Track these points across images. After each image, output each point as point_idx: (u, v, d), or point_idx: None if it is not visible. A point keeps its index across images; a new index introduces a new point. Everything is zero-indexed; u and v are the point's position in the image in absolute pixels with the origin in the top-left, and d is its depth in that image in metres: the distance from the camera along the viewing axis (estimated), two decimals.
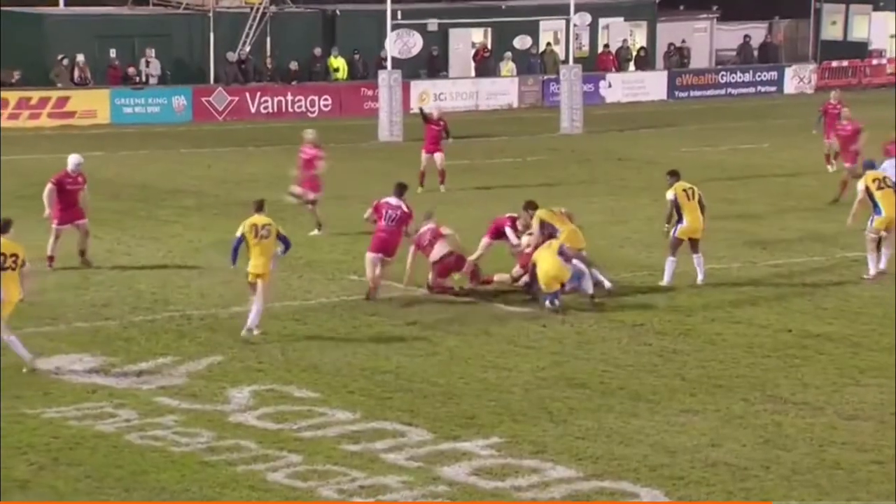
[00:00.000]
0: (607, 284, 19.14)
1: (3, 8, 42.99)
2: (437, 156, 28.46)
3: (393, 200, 19.18)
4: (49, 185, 20.55)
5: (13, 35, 40.96)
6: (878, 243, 20.64)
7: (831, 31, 51.30)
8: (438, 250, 19.28)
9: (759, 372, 16.20)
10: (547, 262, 18.43)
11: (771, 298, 19.70)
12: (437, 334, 17.61)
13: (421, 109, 31.52)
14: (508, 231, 19.61)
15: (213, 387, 15.32)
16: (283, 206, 23.52)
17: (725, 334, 17.80)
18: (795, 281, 20.84)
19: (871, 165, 21.40)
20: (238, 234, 17.64)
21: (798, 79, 48.58)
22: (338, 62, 42.90)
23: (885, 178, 21.03)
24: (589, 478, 12.70)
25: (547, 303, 18.43)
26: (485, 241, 19.75)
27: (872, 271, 20.52)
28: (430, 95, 43.04)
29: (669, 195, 20.12)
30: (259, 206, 17.72)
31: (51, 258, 20.43)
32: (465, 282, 19.60)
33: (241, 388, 15.25)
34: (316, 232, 23.43)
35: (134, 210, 25.78)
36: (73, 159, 20.80)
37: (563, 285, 18.70)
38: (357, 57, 42.85)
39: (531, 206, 19.67)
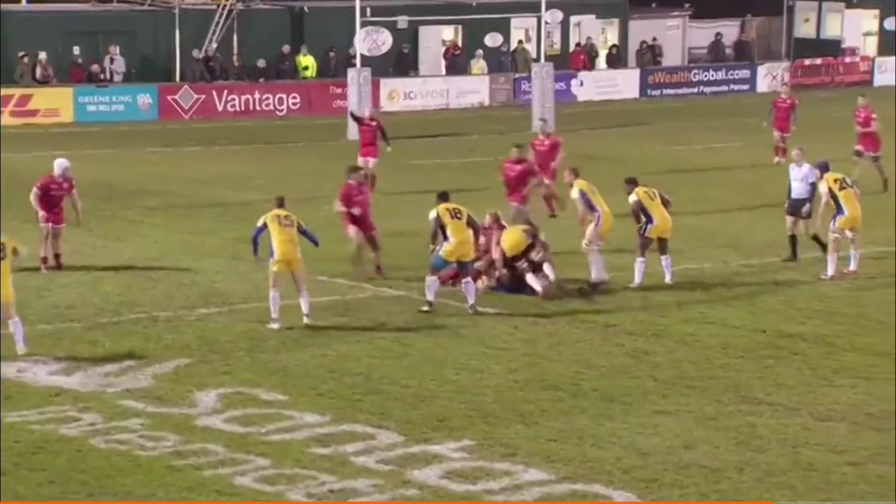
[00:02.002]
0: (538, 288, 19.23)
1: None
2: (371, 160, 27.31)
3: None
4: (34, 190, 20.49)
5: None
6: (838, 244, 20.85)
7: (804, 29, 51.55)
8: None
9: (732, 373, 16.26)
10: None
11: (744, 298, 19.78)
12: (407, 335, 17.60)
13: (352, 113, 30.68)
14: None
15: (180, 389, 15.26)
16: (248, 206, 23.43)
17: (698, 335, 17.86)
18: (768, 280, 20.93)
19: (825, 167, 21.59)
20: (259, 223, 17.86)
21: (771, 77, 48.78)
22: (307, 60, 42.79)
23: (844, 178, 21.34)
24: (561, 480, 12.71)
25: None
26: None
27: (830, 272, 20.70)
28: (400, 94, 43.01)
29: (631, 198, 20.29)
30: (280, 202, 18.22)
31: (44, 259, 20.37)
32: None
33: (207, 390, 15.20)
34: None
35: (99, 210, 25.62)
36: (59, 164, 20.84)
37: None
38: (332, 55, 42.73)
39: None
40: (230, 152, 34.23)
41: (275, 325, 17.64)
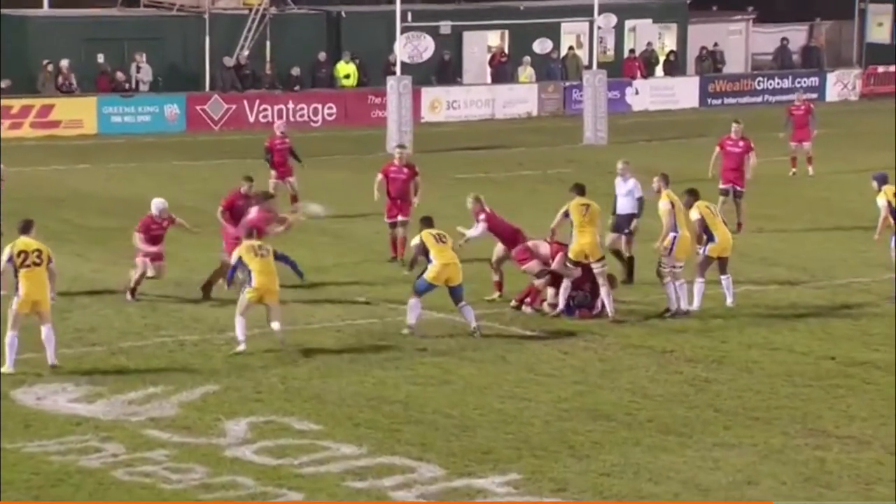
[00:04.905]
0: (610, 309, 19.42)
1: None
2: (290, 179, 26.92)
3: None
4: (136, 234, 20.55)
5: None
6: None
7: (877, 34, 51.25)
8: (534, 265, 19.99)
9: (799, 403, 16.15)
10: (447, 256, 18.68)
11: (812, 323, 19.66)
12: (450, 361, 17.61)
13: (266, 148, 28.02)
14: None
15: (208, 418, 15.33)
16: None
17: (763, 362, 17.76)
18: (838, 304, 20.80)
19: (884, 179, 21.41)
20: (234, 259, 18.24)
21: (841, 85, 48.54)
22: (348, 68, 42.92)
23: None
24: None
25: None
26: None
27: None
28: (443, 103, 43.12)
29: (694, 215, 20.07)
30: (250, 233, 18.63)
31: (133, 290, 20.50)
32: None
33: (237, 419, 15.25)
34: None
35: (123, 227, 25.74)
36: (156, 204, 20.83)
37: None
38: (357, 61, 42.81)
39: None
40: (262, 166, 34.34)
41: (241, 347, 17.73)
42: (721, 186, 26.00)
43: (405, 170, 23.45)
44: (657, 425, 15.28)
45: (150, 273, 20.58)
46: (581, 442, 14.69)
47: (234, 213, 21.08)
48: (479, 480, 13.52)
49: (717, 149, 26.81)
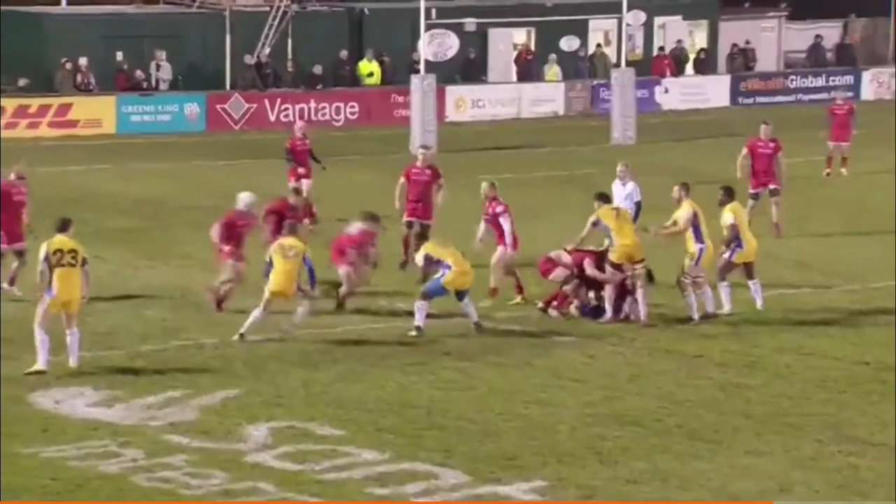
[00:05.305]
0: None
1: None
2: (305, 182, 26.70)
3: None
4: (216, 226, 19.99)
5: (11, 37, 41.33)
6: None
7: None
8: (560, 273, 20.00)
9: (833, 409, 16.13)
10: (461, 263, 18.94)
11: (845, 327, 19.63)
12: (474, 366, 17.64)
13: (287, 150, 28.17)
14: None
15: (228, 423, 15.39)
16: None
17: (795, 367, 17.74)
18: (872, 308, 20.74)
19: None
20: (267, 258, 18.59)
21: (877, 83, 48.35)
22: (371, 66, 42.99)
23: None
24: None
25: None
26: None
27: None
28: (468, 102, 43.15)
29: (728, 218, 20.01)
30: (293, 229, 18.98)
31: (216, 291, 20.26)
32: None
33: (258, 424, 15.31)
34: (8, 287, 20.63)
35: (142, 228, 25.95)
36: (243, 198, 20.36)
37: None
38: (387, 60, 42.95)
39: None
40: (283, 165, 34.45)
41: (248, 335, 18.22)
42: (751, 190, 25.76)
43: (427, 171, 23.36)
44: (686, 431, 15.27)
45: (224, 276, 19.90)
46: (608, 448, 14.69)
47: (278, 219, 20.67)
48: (504, 487, 13.54)
49: (745, 150, 26.60)
